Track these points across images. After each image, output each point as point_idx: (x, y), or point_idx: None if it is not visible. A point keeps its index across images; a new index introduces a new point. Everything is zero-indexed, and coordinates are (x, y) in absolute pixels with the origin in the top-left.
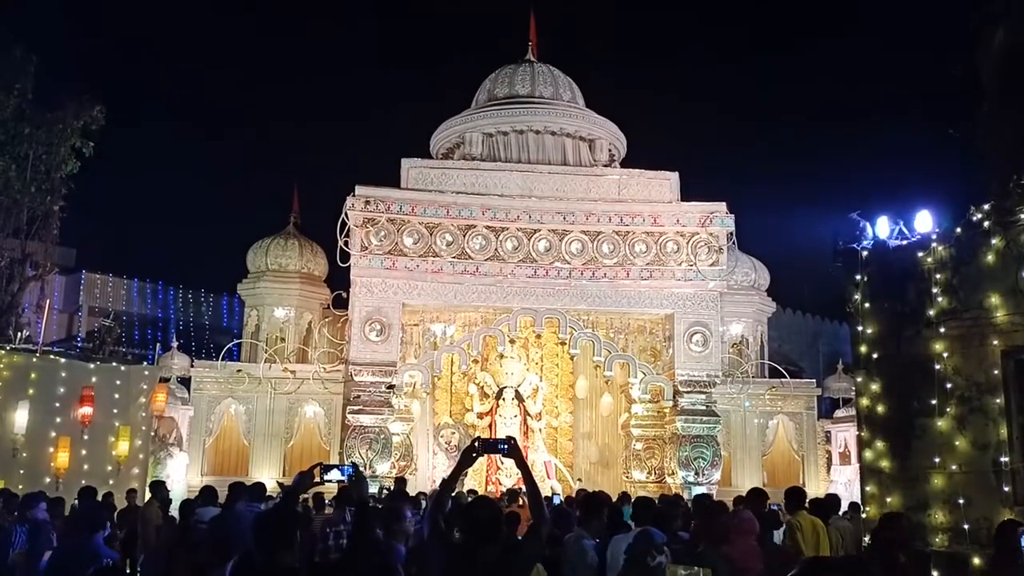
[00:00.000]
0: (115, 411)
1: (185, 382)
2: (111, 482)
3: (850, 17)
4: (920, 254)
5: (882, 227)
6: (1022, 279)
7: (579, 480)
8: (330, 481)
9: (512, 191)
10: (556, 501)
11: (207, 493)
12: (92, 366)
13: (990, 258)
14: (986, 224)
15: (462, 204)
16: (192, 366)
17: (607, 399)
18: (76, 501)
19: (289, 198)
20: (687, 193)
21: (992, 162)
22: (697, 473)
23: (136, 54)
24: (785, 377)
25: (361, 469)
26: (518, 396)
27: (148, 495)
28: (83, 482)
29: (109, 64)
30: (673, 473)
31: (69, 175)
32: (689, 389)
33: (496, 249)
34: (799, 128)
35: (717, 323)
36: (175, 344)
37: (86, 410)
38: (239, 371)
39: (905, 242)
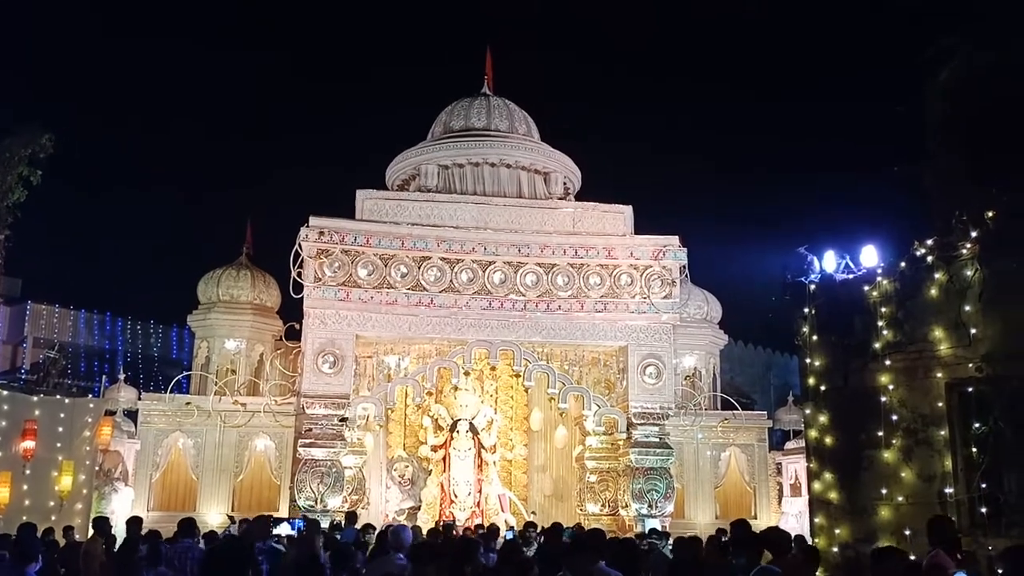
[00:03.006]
0: (59, 445)
1: (132, 415)
2: (53, 518)
3: (797, 58)
4: (866, 288)
5: (829, 261)
6: (965, 313)
7: (533, 513)
8: (279, 536)
9: (467, 223)
10: (509, 536)
11: (135, 526)
12: (35, 399)
13: (933, 292)
14: (929, 259)
15: (417, 236)
16: (140, 399)
17: (561, 431)
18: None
19: (242, 229)
20: (640, 227)
21: (935, 198)
22: (650, 505)
23: (86, 81)
24: (737, 409)
25: (313, 518)
26: (472, 429)
27: (92, 531)
28: (24, 518)
29: (60, 91)
30: (627, 506)
31: (16, 204)
32: (643, 421)
33: (451, 281)
34: (749, 164)
35: (670, 355)
36: (122, 376)
37: (28, 444)
38: (188, 404)
39: (851, 276)
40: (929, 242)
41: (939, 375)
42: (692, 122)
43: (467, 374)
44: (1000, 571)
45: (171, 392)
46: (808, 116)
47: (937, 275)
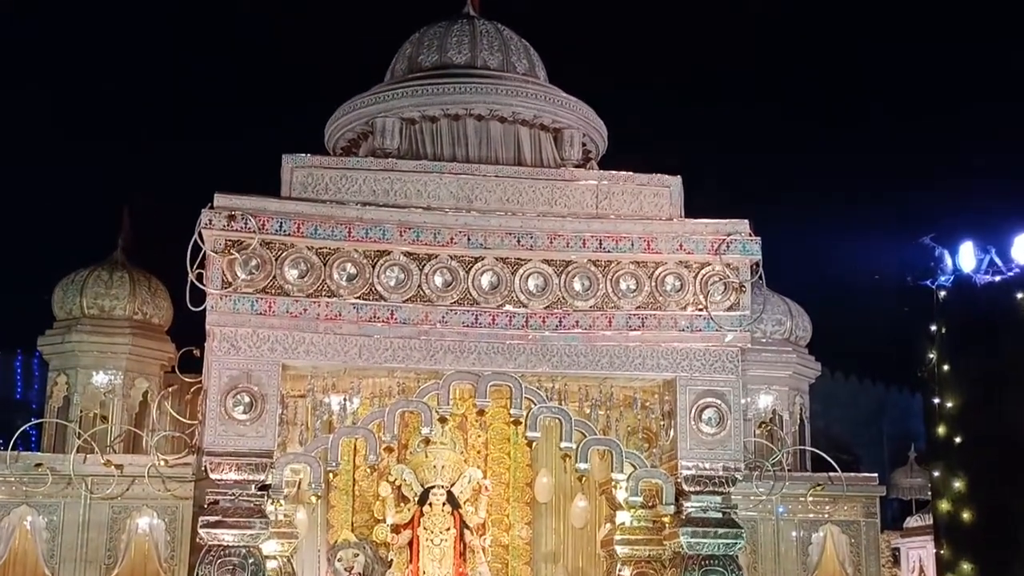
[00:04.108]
0: None
1: None
2: None
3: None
4: (1020, 295)
5: (966, 256)
6: None
7: None
8: None
9: (443, 202)
10: None
11: None
12: None
13: None
14: None
15: (371, 221)
16: None
17: (581, 504)
18: None
19: (117, 214)
20: (693, 207)
21: None
22: None
23: None
24: (835, 470)
25: None
26: (452, 500)
27: None
28: None
29: None
30: None
31: None
32: (699, 489)
33: (420, 286)
34: (846, 120)
35: (738, 393)
36: None
37: None
38: (39, 466)
39: (998, 277)
40: None
41: None
42: (766, 65)
43: (443, 421)
44: None
45: (14, 449)
46: (937, 58)
47: None
